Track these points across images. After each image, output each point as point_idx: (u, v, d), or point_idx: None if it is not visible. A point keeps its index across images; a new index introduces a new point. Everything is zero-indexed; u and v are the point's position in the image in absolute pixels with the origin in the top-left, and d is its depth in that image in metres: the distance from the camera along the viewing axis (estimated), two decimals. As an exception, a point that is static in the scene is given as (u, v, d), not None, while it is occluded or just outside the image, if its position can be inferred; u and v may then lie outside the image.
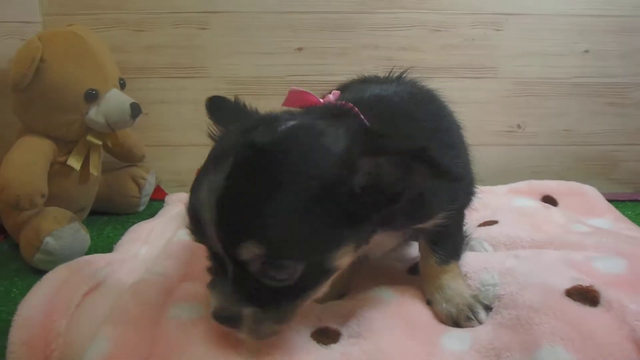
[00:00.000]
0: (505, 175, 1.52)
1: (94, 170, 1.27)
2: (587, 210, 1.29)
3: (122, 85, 1.28)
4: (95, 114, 1.19)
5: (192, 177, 1.69)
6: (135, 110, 1.21)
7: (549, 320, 0.64)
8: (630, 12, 1.50)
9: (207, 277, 0.83)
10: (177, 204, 1.40)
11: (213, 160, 0.57)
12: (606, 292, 0.67)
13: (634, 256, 0.80)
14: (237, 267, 0.56)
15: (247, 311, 0.57)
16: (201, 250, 0.94)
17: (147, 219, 1.33)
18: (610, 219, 1.24)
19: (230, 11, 1.47)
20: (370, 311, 0.73)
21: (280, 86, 1.52)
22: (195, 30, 1.48)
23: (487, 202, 1.30)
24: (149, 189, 1.48)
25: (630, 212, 1.51)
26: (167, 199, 1.43)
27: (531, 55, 1.52)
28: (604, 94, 1.57)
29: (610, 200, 1.42)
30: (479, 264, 0.82)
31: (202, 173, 0.58)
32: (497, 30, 1.50)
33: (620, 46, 1.53)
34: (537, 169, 1.59)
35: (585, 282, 0.70)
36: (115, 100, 1.20)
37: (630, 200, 1.61)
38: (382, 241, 0.74)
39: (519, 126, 1.58)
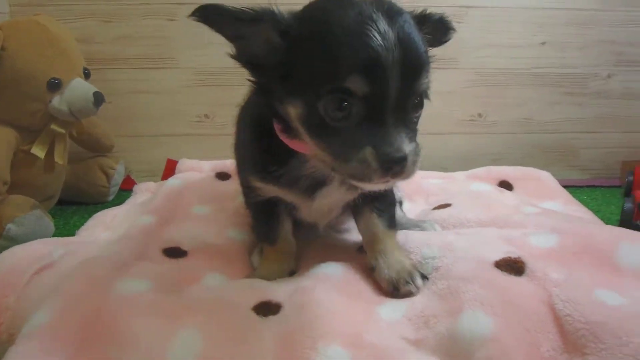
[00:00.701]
0: (467, 163, 1.56)
1: (59, 159, 1.29)
2: (541, 194, 1.33)
3: (87, 75, 1.29)
4: (58, 102, 1.21)
5: (162, 166, 1.71)
6: (98, 98, 1.23)
7: (475, 289, 0.69)
8: (587, 5, 1.56)
9: (163, 259, 0.87)
10: (144, 193, 1.42)
11: (363, 23, 0.62)
12: (532, 264, 0.72)
13: (566, 232, 0.85)
14: (401, 107, 0.64)
15: (409, 148, 0.63)
16: (161, 231, 0.97)
17: (116, 208, 1.35)
18: (562, 202, 1.29)
19: (198, 2, 1.49)
20: (314, 284, 0.76)
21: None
22: (164, 21, 1.50)
23: (445, 187, 1.35)
24: (117, 178, 1.50)
25: (586, 197, 1.57)
26: (135, 188, 1.45)
27: (491, 47, 1.57)
28: (562, 84, 1.63)
29: (568, 187, 1.47)
30: (423, 241, 0.87)
31: (358, 30, 0.62)
32: (458, 22, 1.52)
33: (577, 38, 1.58)
34: (497, 156, 1.64)
35: (515, 254, 0.74)
36: (78, 89, 1.22)
37: (587, 186, 1.68)
38: (330, 195, 0.78)
39: (480, 115, 1.63)
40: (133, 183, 1.55)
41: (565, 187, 1.44)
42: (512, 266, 0.74)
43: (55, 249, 0.84)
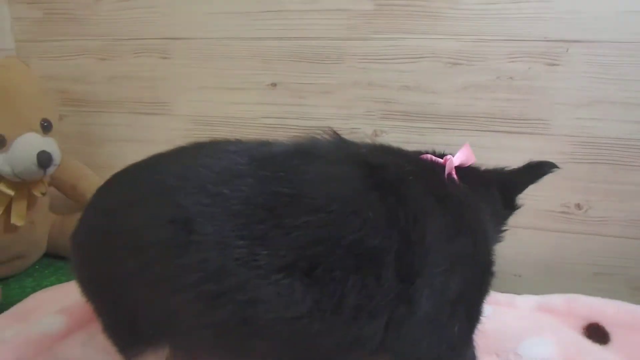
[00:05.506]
0: (551, 273, 1.06)
1: (17, 220, 1.12)
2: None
3: (46, 128, 1.09)
4: (2, 161, 1.03)
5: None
6: (43, 160, 1.03)
7: None
8: None
9: None
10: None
11: None
12: None
13: None
14: None
15: None
16: None
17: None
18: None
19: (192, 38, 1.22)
20: None
21: (251, 129, 1.23)
22: (156, 59, 1.26)
23: (496, 328, 0.84)
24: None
25: None
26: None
27: (596, 104, 1.01)
28: None
29: None
30: None
31: None
32: (553, 64, 1.01)
33: None
34: (603, 268, 1.06)
35: None
36: (22, 147, 1.03)
37: None
38: None
39: (578, 206, 1.07)
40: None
41: None
42: None
43: None
